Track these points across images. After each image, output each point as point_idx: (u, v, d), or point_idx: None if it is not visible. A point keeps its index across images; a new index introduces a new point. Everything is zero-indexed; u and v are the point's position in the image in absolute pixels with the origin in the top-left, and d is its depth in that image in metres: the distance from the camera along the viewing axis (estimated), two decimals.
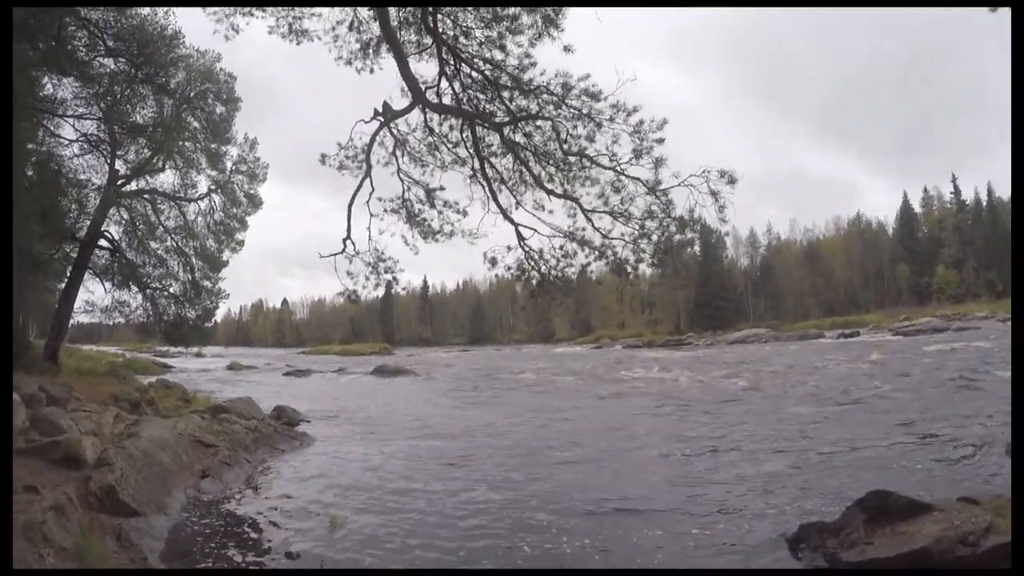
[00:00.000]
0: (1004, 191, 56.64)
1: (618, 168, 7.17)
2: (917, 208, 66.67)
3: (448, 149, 8.09)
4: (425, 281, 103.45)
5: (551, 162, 7.71)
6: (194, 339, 17.47)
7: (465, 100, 7.75)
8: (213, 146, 17.56)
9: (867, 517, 4.54)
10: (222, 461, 7.17)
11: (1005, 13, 3.64)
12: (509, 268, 7.90)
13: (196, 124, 16.84)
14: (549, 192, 7.66)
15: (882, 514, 4.51)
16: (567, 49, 7.02)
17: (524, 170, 7.71)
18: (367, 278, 7.92)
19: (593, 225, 7.53)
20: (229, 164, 18.08)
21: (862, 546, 4.34)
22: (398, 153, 8.03)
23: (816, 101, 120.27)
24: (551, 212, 7.76)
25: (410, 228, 8.04)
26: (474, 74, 7.60)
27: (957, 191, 63.70)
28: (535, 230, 7.76)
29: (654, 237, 7.23)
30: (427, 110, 7.79)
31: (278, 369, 32.42)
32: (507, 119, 7.62)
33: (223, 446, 7.62)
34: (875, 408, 11.63)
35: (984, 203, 60.95)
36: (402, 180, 8.06)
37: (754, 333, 49.72)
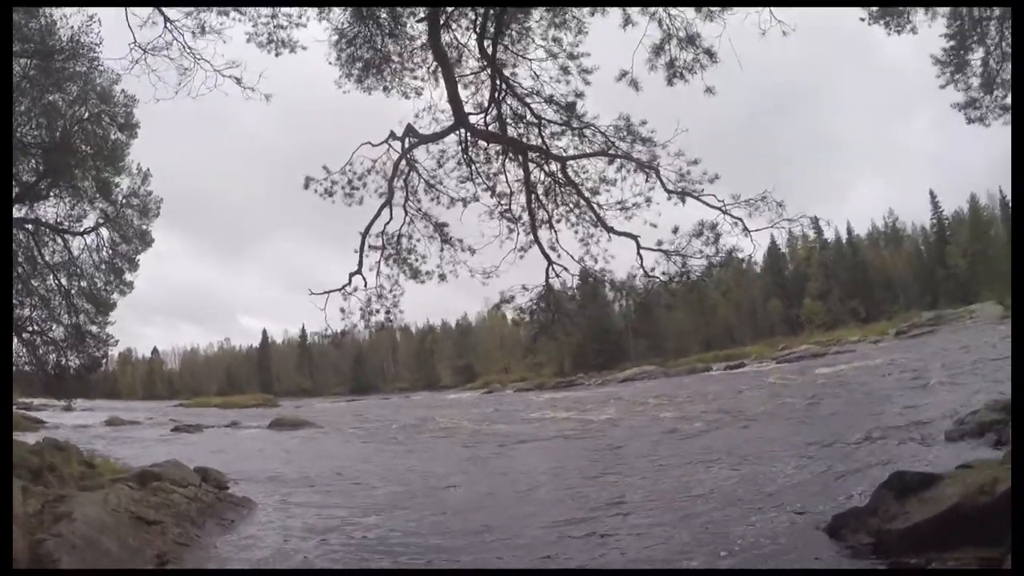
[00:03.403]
0: (860, 228, 68.65)
1: (724, 208, 6.94)
2: (783, 248, 74.02)
3: (471, 182, 7.58)
4: (303, 330, 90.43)
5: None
6: (79, 391, 15.01)
7: (509, 130, 7.32)
8: (105, 175, 15.58)
9: (895, 494, 5.13)
10: (176, 541, 5.94)
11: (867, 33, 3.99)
12: (520, 309, 7.47)
13: (87, 148, 14.87)
14: (609, 229, 7.31)
15: (906, 490, 5.10)
16: (709, 91, 6.65)
17: (582, 205, 7.34)
18: (363, 314, 7.14)
19: (641, 263, 7.34)
20: (120, 196, 16.09)
21: (902, 516, 4.87)
22: (410, 182, 7.38)
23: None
24: (558, 255, 7.46)
25: (395, 266, 7.35)
26: (516, 105, 7.22)
27: (819, 231, 71.45)
28: (565, 267, 7.45)
29: (696, 273, 7.18)
30: (469, 135, 7.30)
31: (162, 424, 28.67)
32: (562, 154, 7.29)
33: (169, 522, 6.33)
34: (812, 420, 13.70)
35: (844, 240, 69.16)
36: (406, 211, 7.41)
37: (644, 371, 50.52)
